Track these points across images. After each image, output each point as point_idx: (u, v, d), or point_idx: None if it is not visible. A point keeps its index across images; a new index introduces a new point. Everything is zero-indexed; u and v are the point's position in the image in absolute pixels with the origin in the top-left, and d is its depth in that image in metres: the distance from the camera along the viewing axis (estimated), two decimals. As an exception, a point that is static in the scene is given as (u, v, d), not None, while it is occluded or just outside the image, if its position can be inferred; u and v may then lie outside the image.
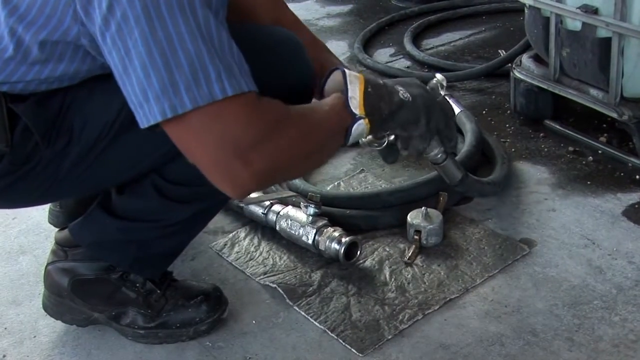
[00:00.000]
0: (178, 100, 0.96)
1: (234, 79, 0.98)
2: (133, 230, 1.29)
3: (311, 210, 1.52)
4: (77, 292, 1.34)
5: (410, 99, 1.18)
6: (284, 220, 1.56)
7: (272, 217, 1.58)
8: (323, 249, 1.50)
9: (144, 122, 0.99)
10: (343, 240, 1.48)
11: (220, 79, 0.97)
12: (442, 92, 1.26)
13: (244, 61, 1.01)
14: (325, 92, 1.18)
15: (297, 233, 1.53)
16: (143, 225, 1.28)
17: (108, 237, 1.30)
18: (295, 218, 1.54)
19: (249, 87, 0.99)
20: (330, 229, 1.51)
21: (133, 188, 1.27)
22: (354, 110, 1.12)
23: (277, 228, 1.58)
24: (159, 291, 1.35)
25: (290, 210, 1.57)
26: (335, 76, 1.17)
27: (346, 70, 1.14)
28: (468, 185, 1.43)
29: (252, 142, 1.00)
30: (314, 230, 1.51)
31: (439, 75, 1.27)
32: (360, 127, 1.13)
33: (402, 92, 1.18)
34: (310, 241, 1.51)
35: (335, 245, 1.48)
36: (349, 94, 1.12)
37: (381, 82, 1.17)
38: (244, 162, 1.00)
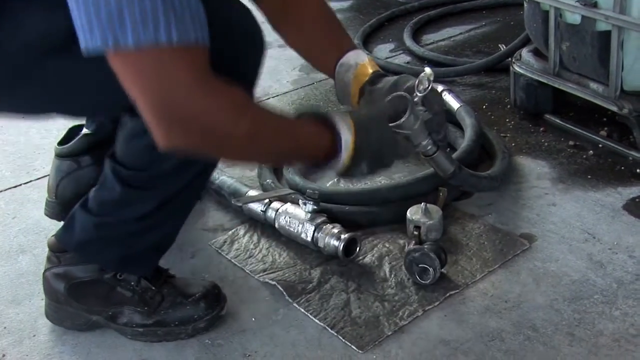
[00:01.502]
0: (122, 34, 0.93)
1: (183, 26, 0.95)
2: (109, 226, 1.28)
3: (309, 207, 1.52)
4: (74, 295, 1.34)
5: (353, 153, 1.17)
6: (283, 217, 1.56)
7: (271, 214, 1.58)
8: (322, 246, 1.50)
9: (84, 45, 0.95)
10: (342, 236, 1.48)
11: (169, 25, 0.94)
12: (429, 87, 1.25)
13: (202, 12, 0.98)
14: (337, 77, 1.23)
15: (296, 230, 1.53)
16: (117, 220, 1.27)
17: (89, 236, 1.30)
18: (294, 215, 1.54)
19: (198, 38, 0.96)
20: (329, 226, 1.50)
21: (101, 179, 1.27)
22: (343, 153, 1.14)
23: (276, 225, 1.57)
24: (154, 288, 1.34)
25: (289, 207, 1.57)
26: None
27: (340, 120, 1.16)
28: (462, 179, 1.42)
29: (189, 106, 0.97)
30: (313, 227, 1.50)
31: (427, 70, 1.27)
32: (338, 164, 1.15)
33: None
34: (309, 238, 1.51)
35: (334, 242, 1.48)
36: (342, 140, 1.14)
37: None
38: (177, 120, 0.98)
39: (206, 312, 1.35)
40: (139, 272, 1.34)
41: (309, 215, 1.52)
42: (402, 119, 1.22)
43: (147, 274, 1.35)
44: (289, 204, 1.58)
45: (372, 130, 1.19)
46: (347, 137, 1.15)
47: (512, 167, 1.77)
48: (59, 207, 1.60)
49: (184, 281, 1.39)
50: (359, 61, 1.33)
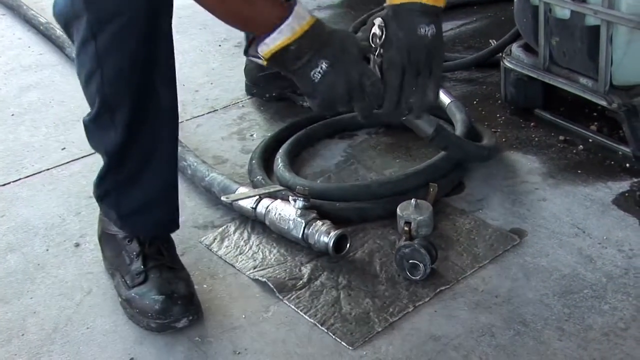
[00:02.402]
0: None
1: None
2: (104, 179, 1.38)
3: (300, 203, 1.51)
4: (101, 243, 1.47)
5: (317, 80, 1.16)
6: (273, 213, 1.55)
7: (261, 211, 1.57)
8: (312, 243, 1.49)
9: None
10: (332, 233, 1.48)
11: None
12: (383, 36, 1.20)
13: None
14: None
15: (286, 227, 1.53)
16: (104, 167, 1.36)
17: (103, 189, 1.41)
18: (284, 212, 1.54)
19: None
20: (319, 222, 1.50)
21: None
22: (275, 34, 1.14)
23: (267, 222, 1.57)
24: (142, 267, 1.36)
25: (279, 204, 1.56)
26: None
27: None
28: (446, 141, 1.38)
29: None
30: (303, 224, 1.50)
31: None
32: (276, 40, 1.15)
33: (317, 70, 1.16)
34: (299, 235, 1.50)
35: (324, 239, 1.48)
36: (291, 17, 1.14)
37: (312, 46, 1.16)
38: None
39: (160, 316, 1.33)
40: (132, 233, 1.40)
41: (299, 211, 1.52)
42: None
43: (139, 235, 1.40)
44: (279, 200, 1.57)
45: (331, 43, 1.17)
46: (293, 26, 1.14)
47: (503, 162, 1.77)
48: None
49: (169, 276, 1.37)
50: None
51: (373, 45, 1.21)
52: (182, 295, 1.35)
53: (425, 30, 1.20)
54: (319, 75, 1.17)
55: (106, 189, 1.40)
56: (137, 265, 1.38)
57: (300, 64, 1.17)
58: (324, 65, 1.17)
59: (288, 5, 1.16)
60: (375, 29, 1.22)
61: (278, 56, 1.17)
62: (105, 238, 1.46)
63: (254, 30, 1.19)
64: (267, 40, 1.16)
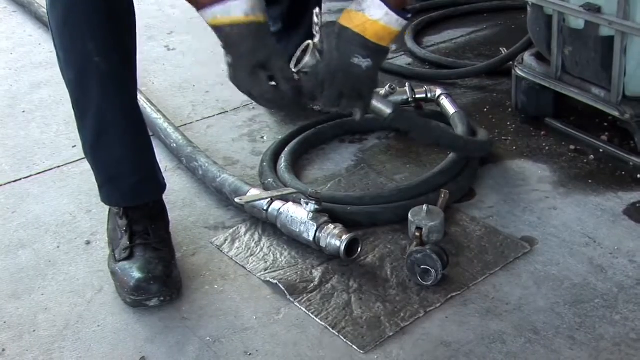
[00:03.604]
0: None
1: None
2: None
3: (312, 206, 1.52)
4: (108, 217, 1.55)
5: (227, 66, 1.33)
6: (285, 216, 1.56)
7: (272, 213, 1.58)
8: (324, 246, 1.50)
9: None
10: (344, 237, 1.48)
11: None
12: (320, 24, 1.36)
13: None
14: None
15: (297, 230, 1.53)
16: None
17: None
18: (296, 214, 1.54)
19: None
20: (331, 226, 1.50)
21: None
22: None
23: (278, 224, 1.57)
24: (128, 243, 1.44)
25: (290, 206, 1.56)
26: None
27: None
28: (407, 122, 1.44)
29: None
30: (315, 227, 1.50)
31: (316, 10, 1.38)
32: (219, 15, 1.29)
33: (227, 60, 1.33)
34: (310, 238, 1.51)
35: (336, 242, 1.48)
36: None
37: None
38: None
39: (134, 292, 1.39)
40: (107, 203, 1.51)
41: (310, 215, 1.52)
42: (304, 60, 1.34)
43: (120, 205, 1.49)
44: (290, 203, 1.58)
45: (242, 46, 1.31)
46: (234, 10, 1.28)
47: (514, 170, 1.77)
48: None
49: (157, 256, 1.43)
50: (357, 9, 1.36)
51: (314, 33, 1.36)
52: (157, 276, 1.40)
53: (359, 61, 1.33)
54: (227, 63, 1.35)
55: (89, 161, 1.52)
56: (125, 241, 1.45)
57: (222, 45, 1.34)
58: (229, 58, 1.33)
59: None
60: (315, 19, 1.36)
61: (214, 28, 1.32)
62: (110, 212, 1.55)
63: None
64: (203, 8, 1.29)
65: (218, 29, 1.31)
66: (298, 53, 1.39)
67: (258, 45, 1.32)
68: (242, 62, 1.33)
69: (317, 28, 1.36)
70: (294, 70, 1.38)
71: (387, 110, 1.39)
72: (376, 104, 1.39)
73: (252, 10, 1.30)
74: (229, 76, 1.37)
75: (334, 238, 1.49)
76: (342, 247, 1.48)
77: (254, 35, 1.31)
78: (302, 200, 1.54)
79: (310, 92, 1.37)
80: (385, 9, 1.31)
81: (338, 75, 1.35)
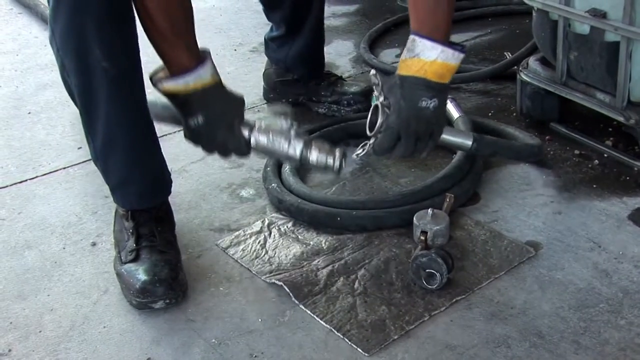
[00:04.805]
0: None
1: None
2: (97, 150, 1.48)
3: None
4: (114, 218, 1.56)
5: (194, 128, 1.39)
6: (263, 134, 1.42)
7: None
8: (314, 160, 1.41)
9: None
10: (337, 153, 1.41)
11: None
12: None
13: None
14: None
15: (280, 147, 1.42)
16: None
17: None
18: (276, 131, 1.42)
19: None
20: (318, 141, 1.43)
21: None
22: (178, 79, 1.35)
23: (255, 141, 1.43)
24: (135, 246, 1.45)
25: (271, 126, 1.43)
26: None
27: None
28: (491, 147, 1.48)
29: None
30: (302, 144, 1.41)
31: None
32: (171, 84, 1.36)
33: (195, 121, 1.38)
34: (297, 154, 1.41)
35: (327, 158, 1.41)
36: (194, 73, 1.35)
37: None
38: None
39: (140, 295, 1.40)
40: (120, 205, 1.52)
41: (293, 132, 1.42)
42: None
43: (128, 207, 1.51)
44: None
45: (212, 108, 1.37)
46: (188, 81, 1.33)
47: (518, 174, 1.78)
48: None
49: (163, 259, 1.44)
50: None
51: (376, 94, 1.36)
52: (163, 279, 1.41)
53: (427, 103, 1.33)
54: (195, 125, 1.38)
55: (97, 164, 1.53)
56: (131, 243, 1.47)
57: (183, 111, 1.38)
58: (199, 120, 1.37)
59: (201, 59, 1.35)
60: (373, 79, 1.37)
61: (169, 96, 1.37)
62: (116, 214, 1.57)
63: (165, 65, 1.36)
64: (169, 80, 1.35)
65: (187, 96, 1.35)
66: (369, 117, 1.38)
67: (229, 102, 1.41)
68: (219, 120, 1.38)
69: (379, 88, 1.36)
70: (370, 134, 1.38)
71: (468, 142, 1.40)
72: (453, 138, 1.39)
73: (215, 72, 1.38)
74: (192, 137, 1.41)
75: (324, 153, 1.41)
76: (338, 159, 1.41)
77: (223, 94, 1.40)
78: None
79: (390, 147, 1.37)
80: (440, 47, 1.30)
81: (411, 122, 1.34)
